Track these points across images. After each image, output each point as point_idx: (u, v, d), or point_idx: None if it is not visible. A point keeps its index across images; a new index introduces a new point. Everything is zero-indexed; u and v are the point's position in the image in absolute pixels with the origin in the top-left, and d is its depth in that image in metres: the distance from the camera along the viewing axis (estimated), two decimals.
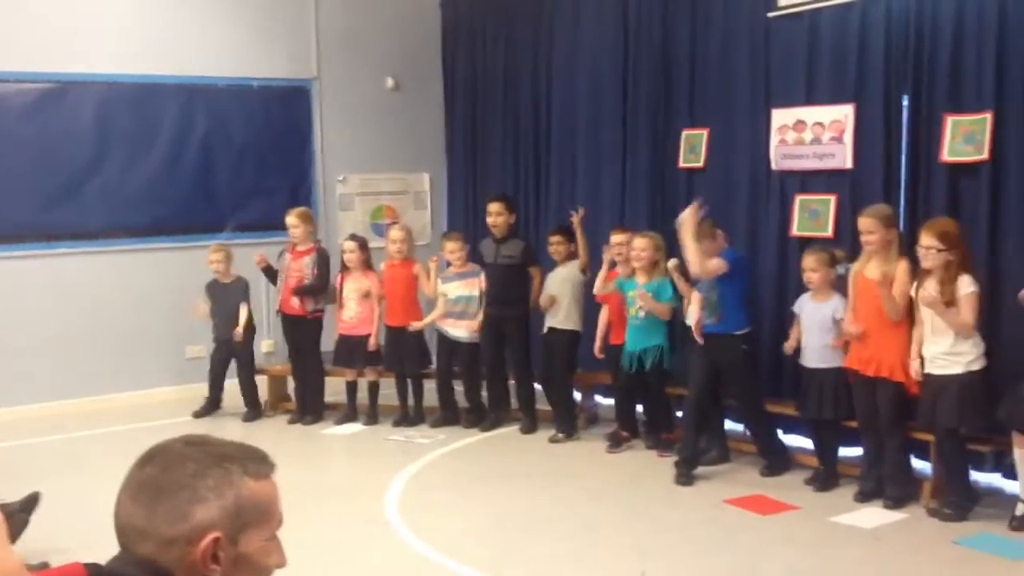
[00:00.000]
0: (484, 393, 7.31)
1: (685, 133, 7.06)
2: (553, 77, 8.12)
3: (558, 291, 6.89)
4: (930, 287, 5.04)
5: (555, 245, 7.00)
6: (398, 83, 9.11)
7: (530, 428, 7.05)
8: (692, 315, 6.03)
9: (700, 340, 5.95)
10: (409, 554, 4.87)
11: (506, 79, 8.64)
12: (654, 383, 6.45)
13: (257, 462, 1.61)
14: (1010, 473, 5.39)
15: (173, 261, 8.18)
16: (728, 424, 6.42)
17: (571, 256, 6.97)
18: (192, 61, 8.23)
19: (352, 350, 7.37)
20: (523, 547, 4.93)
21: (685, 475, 5.85)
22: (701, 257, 5.65)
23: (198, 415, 7.53)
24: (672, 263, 6.17)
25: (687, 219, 5.64)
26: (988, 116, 5.38)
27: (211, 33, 8.31)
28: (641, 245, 6.39)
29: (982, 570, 4.56)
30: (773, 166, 6.48)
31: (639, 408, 6.73)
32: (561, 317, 6.90)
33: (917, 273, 5.21)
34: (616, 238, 6.71)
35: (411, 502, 5.61)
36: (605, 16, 7.62)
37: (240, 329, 7.44)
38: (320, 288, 7.35)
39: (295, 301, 7.30)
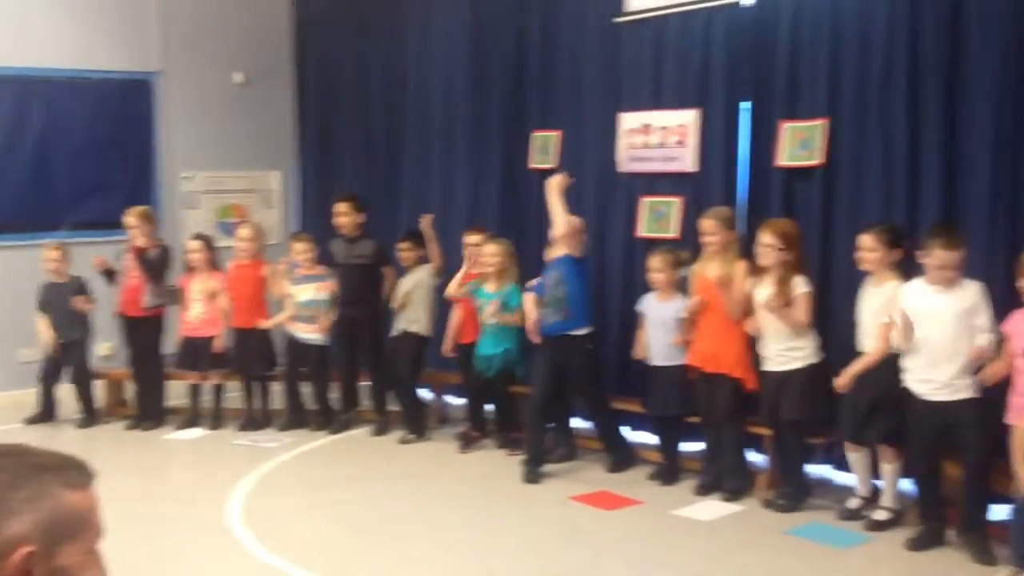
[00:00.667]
0: (334, 395, 7.21)
1: (536, 135, 7.13)
2: (407, 76, 8.08)
3: (409, 297, 6.86)
4: (766, 294, 5.22)
5: (403, 252, 6.96)
6: (247, 78, 8.91)
7: (382, 430, 6.99)
8: (529, 315, 6.07)
9: (536, 339, 5.98)
10: (253, 562, 4.75)
11: (359, 76, 8.55)
12: (504, 383, 6.48)
13: (75, 472, 1.53)
14: (840, 465, 5.64)
15: (6, 260, 7.80)
16: (575, 422, 6.49)
17: (421, 261, 6.93)
18: (28, 52, 7.86)
19: (196, 352, 7.17)
20: (370, 550, 4.87)
21: (532, 473, 5.89)
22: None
23: (30, 422, 7.18)
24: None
25: (557, 182, 5.68)
26: (822, 123, 5.61)
27: (48, 23, 7.96)
28: (492, 251, 6.42)
29: (810, 558, 4.73)
30: (621, 168, 6.60)
31: (490, 407, 6.75)
32: (410, 321, 6.86)
33: (756, 273, 5.39)
34: (470, 239, 6.72)
35: (256, 508, 5.48)
36: (458, 16, 7.63)
37: (83, 299, 7.14)
38: (160, 265, 7.09)
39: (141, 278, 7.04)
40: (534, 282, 6.22)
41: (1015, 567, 4.34)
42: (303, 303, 7.04)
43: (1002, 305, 4.56)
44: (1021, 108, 4.91)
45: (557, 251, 6.01)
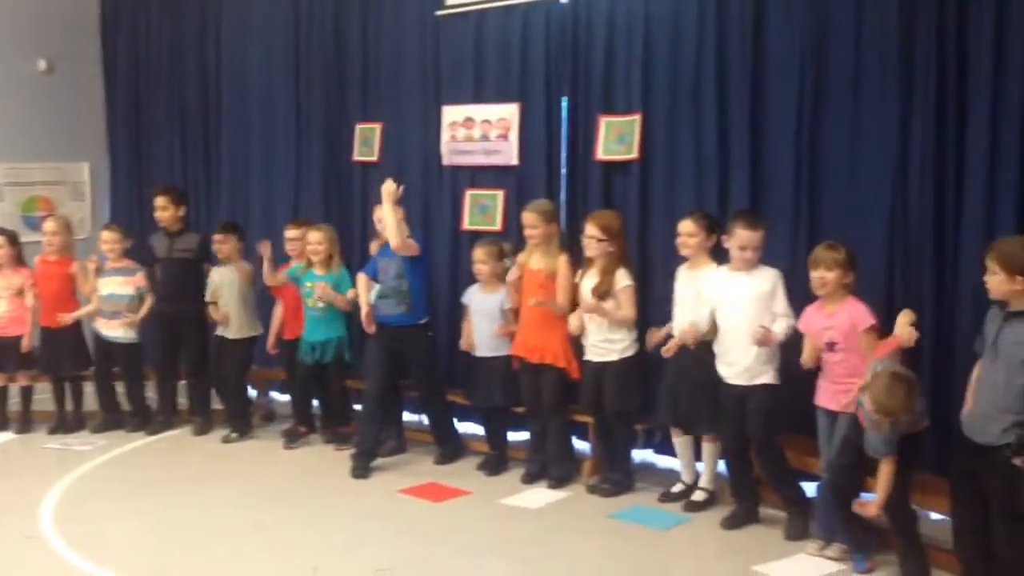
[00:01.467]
0: (151, 395, 6.96)
1: (359, 127, 7.07)
2: (222, 65, 7.87)
3: (224, 296, 6.67)
4: (590, 285, 5.35)
5: (218, 244, 6.75)
6: (51, 65, 8.45)
7: (204, 429, 6.79)
8: (363, 304, 6.02)
9: (371, 329, 5.96)
10: (67, 571, 4.55)
11: (172, 64, 8.25)
12: (333, 375, 6.41)
13: None
14: (661, 449, 5.86)
15: None
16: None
17: (237, 255, 6.75)
18: None
19: (2, 352, 6.77)
20: (191, 553, 4.73)
21: (362, 467, 5.86)
22: (402, 230, 5.67)
23: None
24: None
25: (389, 190, 5.64)
26: (637, 118, 5.79)
27: None
28: (316, 238, 6.34)
29: (632, 539, 4.89)
30: (444, 161, 6.63)
31: (316, 402, 6.66)
32: (233, 326, 6.67)
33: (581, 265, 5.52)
34: (290, 232, 6.62)
35: (69, 514, 5.23)
36: (276, 4, 7.47)
37: None
38: None
39: None
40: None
41: (822, 541, 4.62)
42: (105, 297, 6.76)
43: (803, 297, 4.78)
44: (819, 106, 5.19)
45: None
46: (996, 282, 3.88)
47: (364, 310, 5.97)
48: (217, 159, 7.96)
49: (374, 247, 6.29)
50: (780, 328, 4.76)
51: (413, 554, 4.71)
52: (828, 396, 4.59)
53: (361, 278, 6.04)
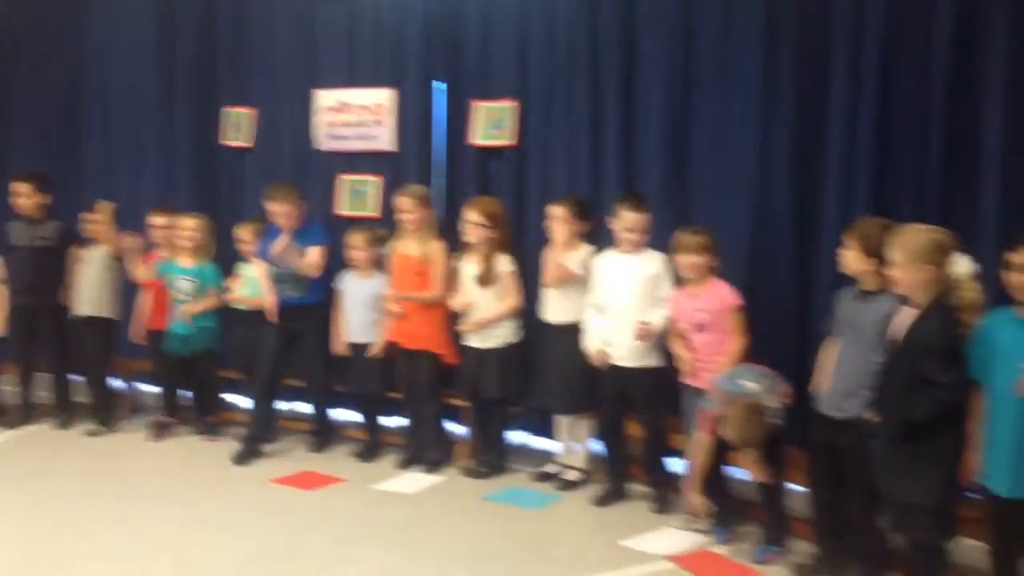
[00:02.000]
0: (8, 388, 6.69)
1: (230, 111, 6.91)
2: (87, 47, 7.56)
3: (87, 274, 6.46)
4: (472, 271, 5.36)
5: (89, 223, 6.53)
6: None
7: (66, 423, 6.56)
8: (266, 292, 5.93)
9: (274, 319, 5.87)
10: None
11: (35, 43, 7.87)
12: (204, 365, 6.27)
13: None
14: (537, 431, 5.91)
15: None
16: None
17: (108, 232, 6.53)
18: None
19: None
20: (53, 551, 4.52)
21: (248, 453, 5.79)
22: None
23: None
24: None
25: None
26: (513, 104, 5.83)
27: None
28: (192, 225, 6.21)
29: (507, 520, 4.92)
30: (318, 146, 6.54)
31: (184, 393, 6.49)
32: (90, 304, 6.46)
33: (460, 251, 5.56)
34: (157, 220, 6.43)
35: None
36: None
37: None
38: None
39: None
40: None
41: (688, 515, 4.73)
42: None
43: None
44: (688, 92, 5.32)
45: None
46: (851, 257, 4.05)
47: (269, 299, 5.89)
48: (82, 146, 7.65)
49: (246, 233, 6.17)
50: (659, 319, 4.85)
51: (284, 543, 4.63)
52: (700, 377, 4.70)
53: (261, 267, 5.95)
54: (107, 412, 6.54)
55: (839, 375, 4.12)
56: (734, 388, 4.24)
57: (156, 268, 6.29)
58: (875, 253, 3.97)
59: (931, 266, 3.64)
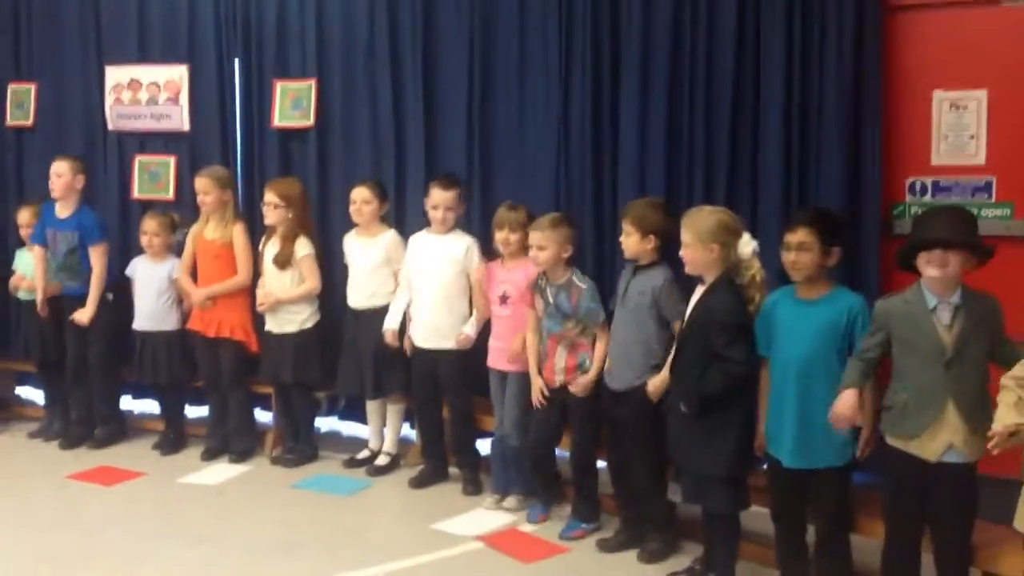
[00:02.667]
0: None
1: (11, 87, 6.49)
2: None
3: None
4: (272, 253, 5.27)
5: None
6: None
7: None
8: (39, 282, 5.70)
9: (44, 313, 5.65)
10: None
11: None
12: None
13: None
14: (346, 416, 5.87)
15: None
16: None
17: None
18: None
19: None
20: None
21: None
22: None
23: None
24: None
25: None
26: (312, 83, 5.71)
27: None
28: None
29: (316, 507, 4.87)
30: (110, 126, 6.25)
31: None
32: None
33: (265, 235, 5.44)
34: None
35: None
36: None
37: None
38: None
39: None
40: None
41: (498, 495, 4.81)
42: None
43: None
44: (488, 73, 5.34)
45: (62, 211, 5.64)
46: (631, 243, 4.18)
47: (40, 289, 5.65)
48: None
49: (26, 216, 5.85)
50: (473, 328, 4.88)
51: (81, 542, 4.44)
52: (498, 356, 4.77)
53: (37, 252, 5.66)
54: None
55: (614, 348, 4.28)
56: None
57: None
58: (650, 231, 4.14)
59: (718, 245, 3.79)
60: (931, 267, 3.30)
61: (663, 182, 4.87)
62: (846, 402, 3.45)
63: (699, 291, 3.90)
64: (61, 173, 5.61)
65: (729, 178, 4.76)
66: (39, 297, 5.70)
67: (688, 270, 3.91)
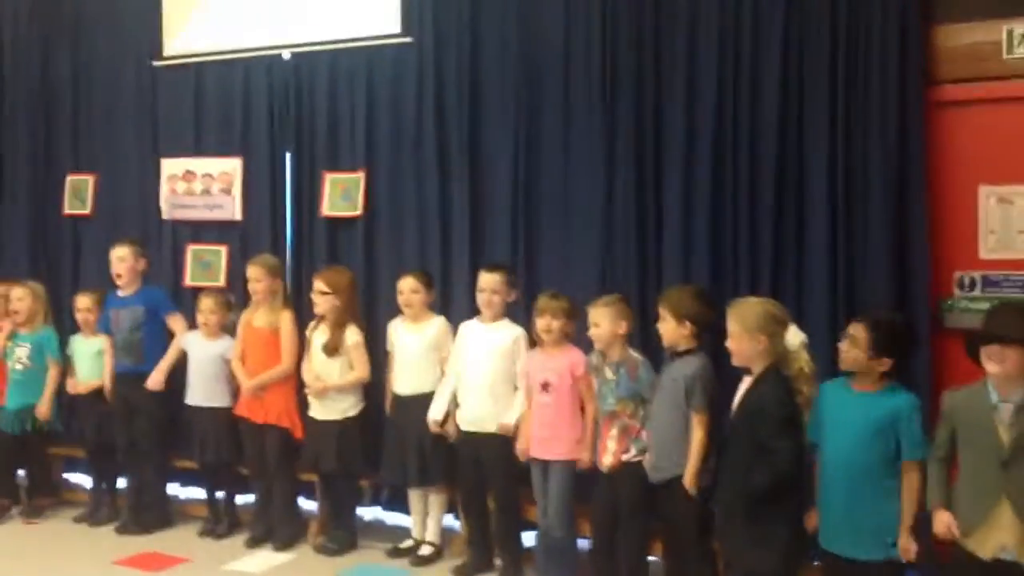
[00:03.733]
0: None
1: (70, 178, 6.70)
2: None
3: None
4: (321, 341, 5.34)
5: None
6: None
7: None
8: (107, 366, 5.87)
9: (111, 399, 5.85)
10: None
11: None
12: (35, 445, 6.00)
13: None
14: (389, 506, 5.85)
15: None
16: None
17: None
18: None
19: None
20: None
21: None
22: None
23: None
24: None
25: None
26: (361, 175, 5.84)
27: None
28: (19, 294, 6.07)
29: None
30: (164, 215, 6.41)
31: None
32: None
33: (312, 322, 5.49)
34: None
35: None
36: None
37: None
38: None
39: None
40: None
41: None
42: None
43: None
44: (533, 160, 5.43)
45: (124, 292, 5.80)
46: (667, 328, 4.21)
47: (108, 377, 5.85)
48: None
49: (83, 301, 5.99)
50: (516, 416, 4.87)
51: None
52: (539, 446, 4.76)
53: (105, 341, 5.85)
54: None
55: (653, 437, 4.27)
56: None
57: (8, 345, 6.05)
58: (686, 317, 4.15)
59: (765, 336, 3.79)
60: (990, 362, 3.29)
61: (708, 270, 4.90)
62: (942, 521, 3.41)
63: (746, 382, 3.90)
64: (124, 257, 5.77)
65: (774, 267, 4.79)
66: (106, 384, 5.83)
67: (735, 361, 3.90)
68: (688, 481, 4.05)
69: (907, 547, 3.57)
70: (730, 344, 3.87)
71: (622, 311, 4.54)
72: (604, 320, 4.50)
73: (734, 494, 3.76)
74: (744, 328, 3.80)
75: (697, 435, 4.08)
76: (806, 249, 4.74)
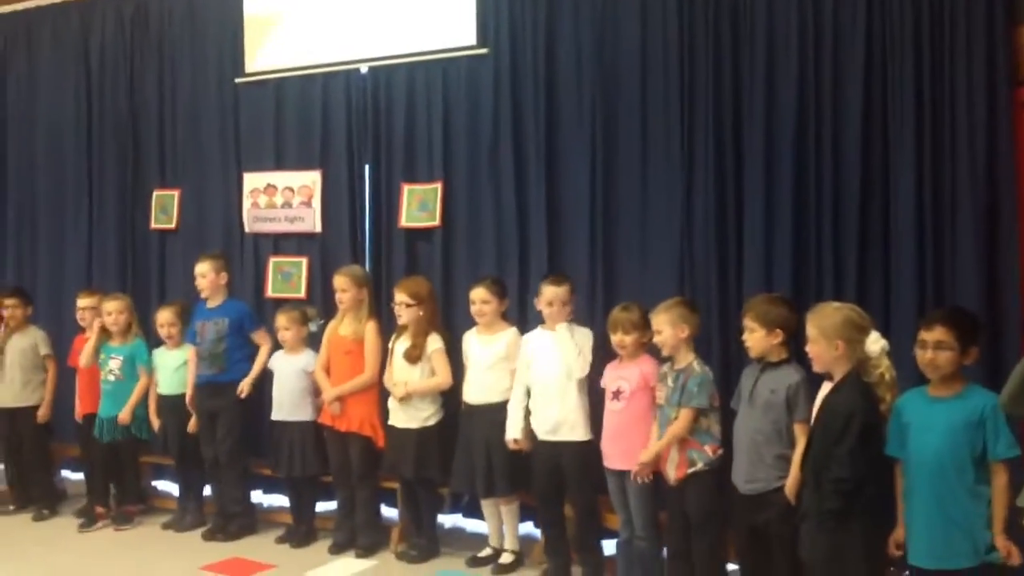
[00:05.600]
0: None
1: (156, 194, 6.89)
2: (8, 130, 7.51)
3: (8, 361, 6.39)
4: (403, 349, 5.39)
5: (9, 308, 6.45)
6: None
7: None
8: (190, 378, 6.03)
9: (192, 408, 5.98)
10: None
11: None
12: (126, 453, 6.16)
13: None
14: (469, 513, 5.88)
15: None
16: None
17: (29, 320, 6.50)
18: None
19: None
20: None
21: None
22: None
23: None
24: None
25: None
26: (438, 185, 5.90)
27: None
28: (113, 307, 6.21)
29: None
30: (246, 229, 6.54)
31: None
32: (12, 395, 6.41)
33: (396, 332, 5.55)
34: (82, 302, 6.39)
35: None
36: (65, 71, 7.24)
37: None
38: None
39: None
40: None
41: None
42: None
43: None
44: (611, 167, 5.42)
45: (210, 304, 5.96)
46: (756, 339, 4.15)
47: (190, 386, 5.97)
48: (1, 228, 7.56)
49: (165, 315, 6.14)
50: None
51: None
52: (615, 457, 4.74)
53: (191, 351, 5.97)
54: (53, 495, 6.49)
55: (742, 450, 4.20)
56: None
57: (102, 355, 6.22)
58: (775, 326, 4.11)
59: (843, 342, 3.75)
60: None
61: (790, 277, 4.84)
62: None
63: (825, 388, 3.85)
64: (204, 273, 5.93)
65: (859, 273, 4.71)
66: (188, 394, 5.97)
67: (815, 367, 3.87)
68: (789, 492, 3.99)
69: (1006, 547, 3.49)
70: (809, 349, 3.84)
71: (683, 314, 4.51)
72: (665, 325, 4.49)
73: (809, 504, 3.71)
74: (821, 333, 3.78)
75: (801, 445, 3.98)
76: (892, 256, 4.65)
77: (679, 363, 4.50)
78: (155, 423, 6.12)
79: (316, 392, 5.74)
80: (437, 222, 5.89)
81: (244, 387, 5.83)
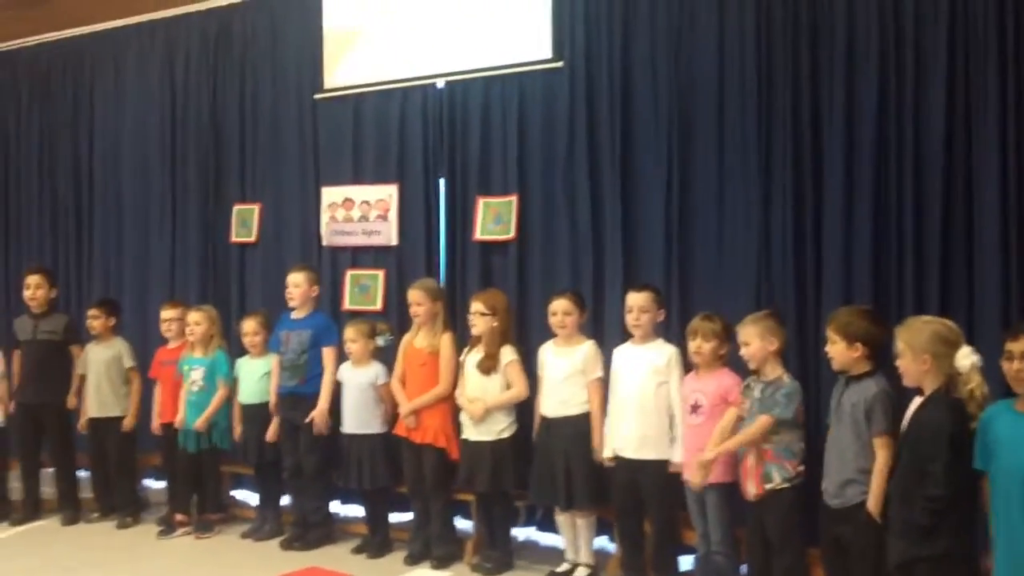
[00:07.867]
0: (15, 484, 6.69)
1: (236, 208, 7.03)
2: (95, 146, 7.72)
3: (94, 371, 6.56)
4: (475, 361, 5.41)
5: (94, 320, 6.63)
6: None
7: (72, 519, 6.55)
8: (273, 387, 6.12)
9: (276, 415, 6.06)
10: None
11: (43, 145, 8.03)
12: (207, 462, 6.28)
13: None
14: (543, 526, 5.87)
15: None
16: None
17: (113, 332, 6.66)
18: None
19: None
20: None
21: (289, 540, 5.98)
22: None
23: None
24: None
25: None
26: (513, 199, 5.93)
27: None
28: (196, 318, 6.32)
29: None
30: (324, 242, 6.64)
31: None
32: (99, 404, 6.57)
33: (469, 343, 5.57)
34: (166, 313, 6.53)
35: None
36: (150, 88, 7.43)
37: None
38: None
39: None
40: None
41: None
42: None
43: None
44: (686, 182, 5.40)
45: (297, 315, 6.05)
46: (837, 351, 4.10)
47: (273, 393, 6.06)
48: (89, 242, 7.77)
49: (251, 325, 6.24)
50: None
51: None
52: (693, 470, 4.69)
53: (274, 360, 6.06)
54: (136, 503, 6.64)
55: (832, 464, 4.15)
56: None
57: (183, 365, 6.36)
58: (856, 339, 4.05)
59: (930, 357, 3.69)
60: None
61: (870, 288, 4.77)
62: None
63: (915, 402, 3.79)
64: (299, 283, 6.01)
65: (942, 284, 4.63)
66: (272, 401, 6.06)
67: (905, 381, 3.83)
68: (872, 506, 3.93)
69: None
70: (899, 363, 3.80)
71: (772, 327, 4.47)
72: (753, 338, 4.45)
73: (895, 519, 3.65)
74: (909, 347, 3.73)
75: (880, 459, 3.93)
76: (975, 266, 4.55)
77: (767, 375, 4.46)
78: (237, 431, 6.22)
79: (390, 404, 5.79)
80: (512, 235, 5.91)
81: (318, 421, 5.88)
